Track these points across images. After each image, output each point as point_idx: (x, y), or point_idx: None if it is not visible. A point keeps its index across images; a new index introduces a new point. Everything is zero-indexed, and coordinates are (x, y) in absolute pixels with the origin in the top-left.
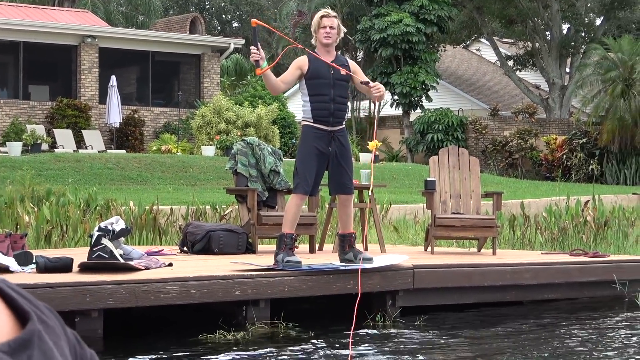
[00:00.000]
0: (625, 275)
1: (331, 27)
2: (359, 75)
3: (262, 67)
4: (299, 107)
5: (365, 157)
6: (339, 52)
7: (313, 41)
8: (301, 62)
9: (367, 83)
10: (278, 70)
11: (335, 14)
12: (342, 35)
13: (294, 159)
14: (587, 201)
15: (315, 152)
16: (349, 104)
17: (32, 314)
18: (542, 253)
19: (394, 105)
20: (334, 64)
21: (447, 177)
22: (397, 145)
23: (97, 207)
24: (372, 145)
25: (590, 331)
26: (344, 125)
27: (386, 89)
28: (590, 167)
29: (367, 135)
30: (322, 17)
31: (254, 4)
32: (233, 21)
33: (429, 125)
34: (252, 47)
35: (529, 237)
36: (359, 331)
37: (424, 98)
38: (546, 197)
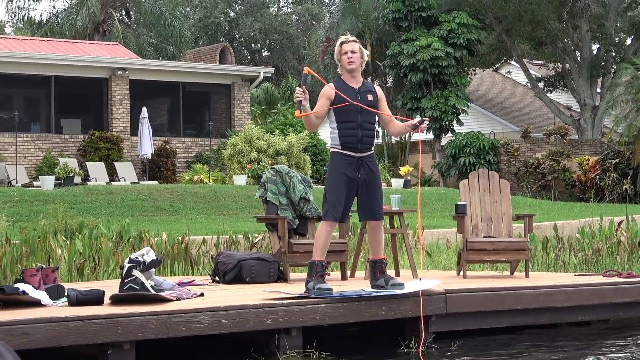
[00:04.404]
0: None
1: (352, 52)
2: (383, 103)
3: (304, 110)
4: (328, 134)
5: (396, 183)
6: (368, 79)
7: (339, 70)
8: (328, 92)
9: (421, 122)
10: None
11: (354, 38)
12: (366, 58)
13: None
14: (621, 221)
15: (344, 178)
16: (379, 129)
17: None
18: (575, 275)
19: (425, 130)
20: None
21: (478, 200)
22: (429, 169)
23: (130, 239)
24: (403, 170)
25: (627, 352)
26: (372, 151)
27: (416, 114)
28: (624, 187)
29: (399, 160)
30: (342, 43)
31: (283, 33)
32: (263, 50)
33: (460, 149)
34: (297, 88)
35: (563, 259)
36: (394, 358)
37: (454, 122)
38: (579, 219)
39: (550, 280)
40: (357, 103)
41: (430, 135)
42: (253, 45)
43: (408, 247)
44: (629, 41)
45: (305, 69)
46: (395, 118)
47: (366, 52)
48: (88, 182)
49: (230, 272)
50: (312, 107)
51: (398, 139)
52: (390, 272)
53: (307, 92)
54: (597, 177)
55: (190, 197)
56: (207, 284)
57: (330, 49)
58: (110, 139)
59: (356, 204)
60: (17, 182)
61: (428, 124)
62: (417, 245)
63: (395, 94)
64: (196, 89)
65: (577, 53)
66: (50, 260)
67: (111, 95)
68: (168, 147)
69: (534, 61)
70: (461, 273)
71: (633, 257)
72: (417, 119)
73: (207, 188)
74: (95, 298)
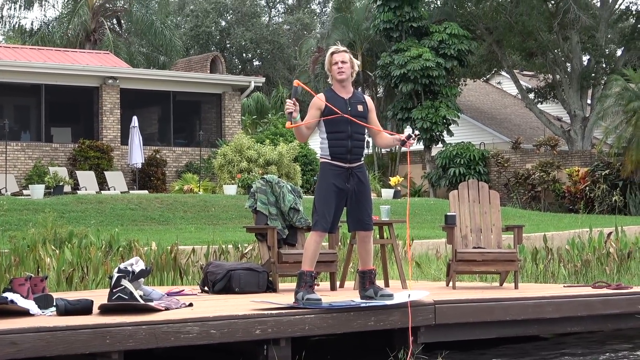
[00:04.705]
0: None
1: (343, 62)
2: (373, 114)
3: (295, 121)
4: (318, 144)
5: (386, 193)
6: (359, 89)
7: (329, 80)
8: (318, 102)
9: (409, 137)
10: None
11: (344, 48)
12: (356, 68)
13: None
14: (610, 233)
15: (334, 189)
16: (369, 139)
17: None
18: (564, 286)
19: (416, 140)
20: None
21: (468, 211)
22: (419, 180)
23: (119, 249)
24: (394, 180)
25: None
26: (362, 162)
27: (407, 124)
28: (614, 198)
29: (389, 171)
30: (332, 53)
31: (274, 42)
32: (254, 60)
33: (450, 159)
34: (288, 100)
35: (552, 270)
36: None
37: (445, 132)
38: (569, 230)
39: (539, 292)
40: (347, 116)
41: (420, 146)
42: (244, 54)
43: (397, 257)
44: (619, 52)
45: (295, 82)
46: (385, 132)
47: (357, 62)
48: (78, 191)
49: (219, 282)
50: (302, 118)
51: (388, 150)
52: (380, 282)
53: (297, 103)
54: (587, 188)
55: (180, 207)
56: (196, 294)
57: (321, 59)
58: (101, 147)
59: (345, 214)
60: (6, 191)
61: (418, 135)
62: (407, 256)
63: (385, 104)
64: (187, 98)
65: (568, 64)
66: (39, 269)
67: (102, 104)
68: (158, 156)
69: (525, 72)
70: (450, 284)
71: (622, 269)
72: (406, 133)
73: (197, 198)
74: (84, 308)
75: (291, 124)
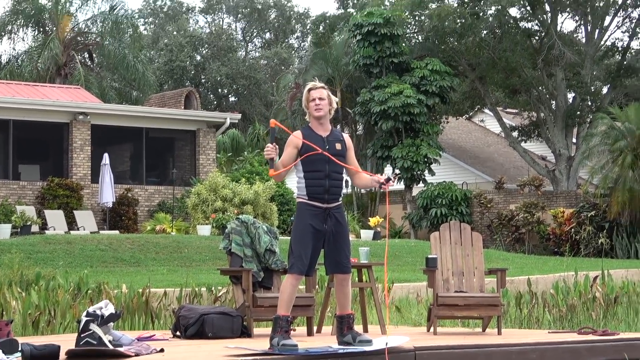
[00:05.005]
0: (637, 353)
1: (320, 99)
2: (351, 152)
3: (276, 166)
4: (295, 183)
5: (366, 234)
6: (337, 126)
7: (307, 117)
8: (295, 141)
9: (387, 180)
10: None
11: (322, 84)
12: (334, 105)
13: None
14: (596, 276)
15: (311, 230)
16: (348, 178)
17: None
18: (549, 332)
19: (396, 180)
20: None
21: (449, 253)
22: (400, 221)
23: (88, 291)
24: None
25: None
26: (340, 202)
27: (387, 163)
28: (600, 240)
29: (369, 211)
30: (309, 90)
31: (251, 78)
32: (229, 95)
33: (432, 199)
34: (268, 145)
35: (536, 315)
36: None
37: (426, 172)
38: (554, 273)
39: (523, 338)
40: (325, 153)
41: (401, 186)
42: (219, 90)
43: (377, 301)
44: (605, 90)
45: (272, 122)
46: (364, 173)
47: (335, 99)
48: (46, 231)
49: (192, 327)
50: (279, 156)
51: (368, 189)
52: (358, 327)
53: (277, 147)
54: (572, 230)
55: (152, 248)
56: (167, 339)
57: (299, 95)
58: (70, 186)
59: (323, 256)
60: None
61: (399, 175)
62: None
63: (365, 142)
64: (160, 134)
65: (552, 102)
66: (4, 312)
67: (72, 140)
68: (130, 195)
69: (508, 110)
70: (431, 329)
71: (609, 314)
72: (385, 176)
73: (170, 238)
74: (51, 353)
75: (274, 170)
